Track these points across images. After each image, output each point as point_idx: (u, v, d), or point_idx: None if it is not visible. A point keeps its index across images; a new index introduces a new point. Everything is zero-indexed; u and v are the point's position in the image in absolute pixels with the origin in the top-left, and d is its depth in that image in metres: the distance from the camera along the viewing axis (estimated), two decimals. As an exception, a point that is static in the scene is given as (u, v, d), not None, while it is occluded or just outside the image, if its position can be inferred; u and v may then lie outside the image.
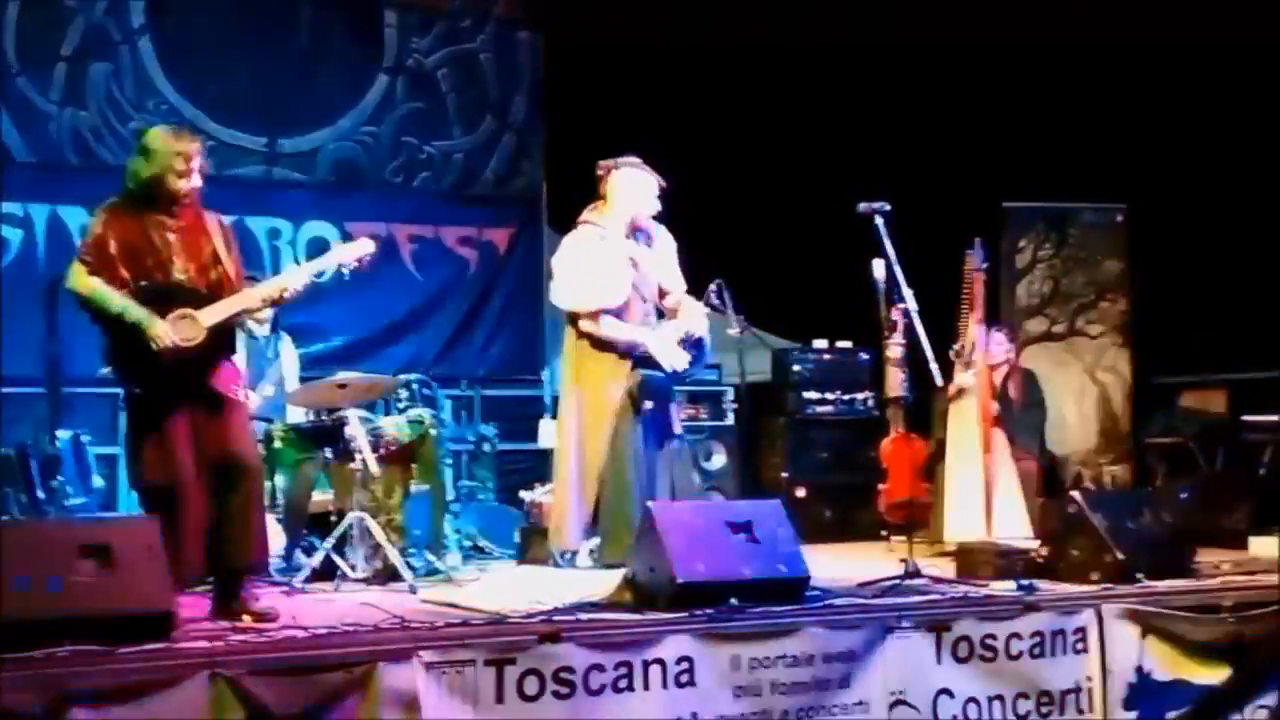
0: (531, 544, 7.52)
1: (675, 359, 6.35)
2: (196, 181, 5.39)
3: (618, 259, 6.37)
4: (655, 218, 6.57)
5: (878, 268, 6.45)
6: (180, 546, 5.12)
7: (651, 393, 6.33)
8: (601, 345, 6.38)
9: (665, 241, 6.61)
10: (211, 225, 5.48)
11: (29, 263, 8.90)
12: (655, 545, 5.35)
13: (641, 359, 6.37)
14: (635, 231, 6.46)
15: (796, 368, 9.57)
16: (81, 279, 5.28)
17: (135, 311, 5.23)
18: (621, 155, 6.58)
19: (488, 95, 10.33)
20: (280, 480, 7.07)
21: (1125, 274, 10.01)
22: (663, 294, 6.56)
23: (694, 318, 6.48)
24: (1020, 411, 8.14)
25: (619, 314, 6.40)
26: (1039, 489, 7.88)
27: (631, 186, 6.43)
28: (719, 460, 9.28)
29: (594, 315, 6.35)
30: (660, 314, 6.55)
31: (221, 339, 5.39)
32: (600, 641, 4.87)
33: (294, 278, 5.64)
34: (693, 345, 6.42)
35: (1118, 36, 9.29)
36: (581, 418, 6.39)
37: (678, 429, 6.55)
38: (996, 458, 7.40)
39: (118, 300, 5.23)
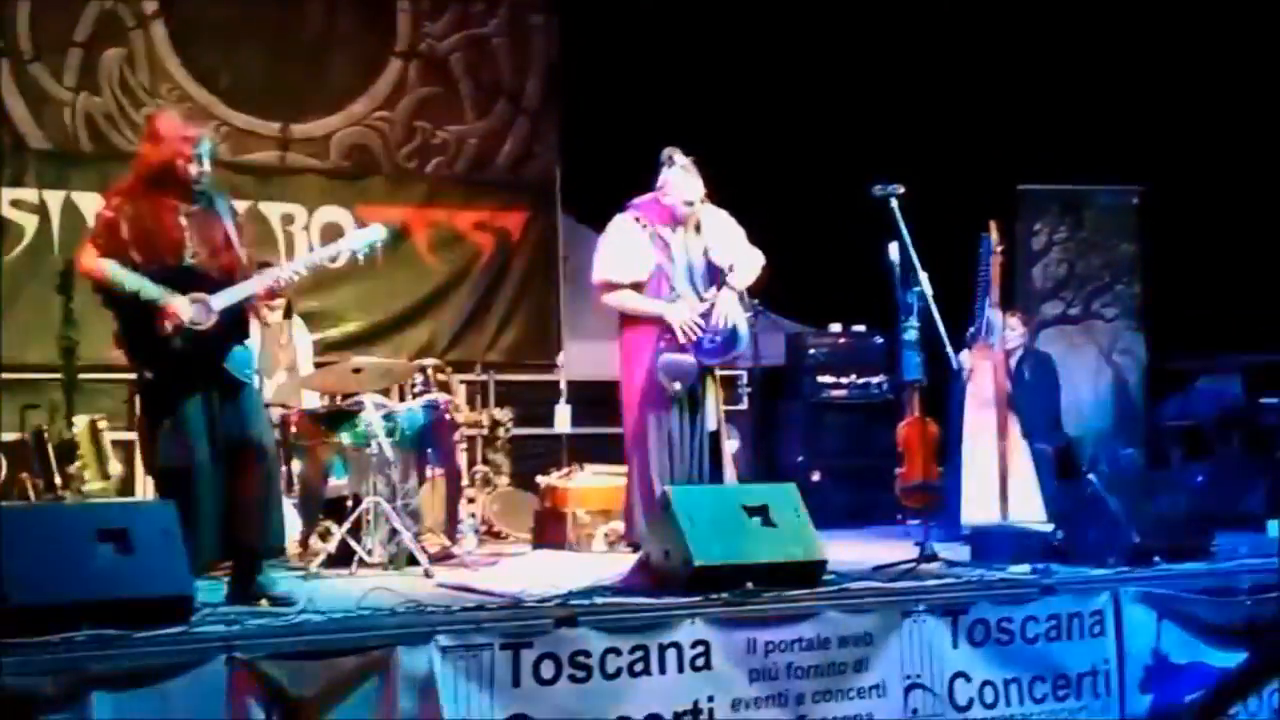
0: (547, 528, 7.54)
1: (687, 326, 6.31)
2: (206, 166, 5.40)
3: (643, 240, 6.41)
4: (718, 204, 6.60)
5: (892, 251, 6.44)
6: (196, 530, 5.13)
7: (676, 374, 6.32)
8: (632, 322, 6.42)
9: (719, 228, 6.57)
10: (223, 209, 5.50)
11: (44, 249, 8.89)
12: (671, 529, 5.35)
13: (670, 342, 6.36)
14: (676, 224, 6.48)
15: (811, 351, 9.58)
16: (94, 260, 5.30)
17: (151, 289, 5.24)
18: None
19: (501, 80, 10.29)
20: (296, 465, 7.08)
21: (1140, 257, 9.98)
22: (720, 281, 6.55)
23: (721, 305, 6.47)
24: (1036, 395, 8.12)
25: (638, 291, 6.45)
26: (1055, 472, 7.86)
27: (670, 183, 6.47)
28: (734, 444, 9.26)
29: (606, 287, 6.41)
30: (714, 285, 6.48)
31: (234, 323, 5.41)
32: (616, 625, 4.88)
33: (307, 262, 5.65)
34: (721, 331, 6.39)
35: (1132, 18, 9.27)
36: (626, 396, 6.42)
37: (711, 424, 6.50)
38: (1011, 441, 7.39)
39: (133, 279, 5.25)
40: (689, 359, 6.35)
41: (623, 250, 6.46)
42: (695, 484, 6.23)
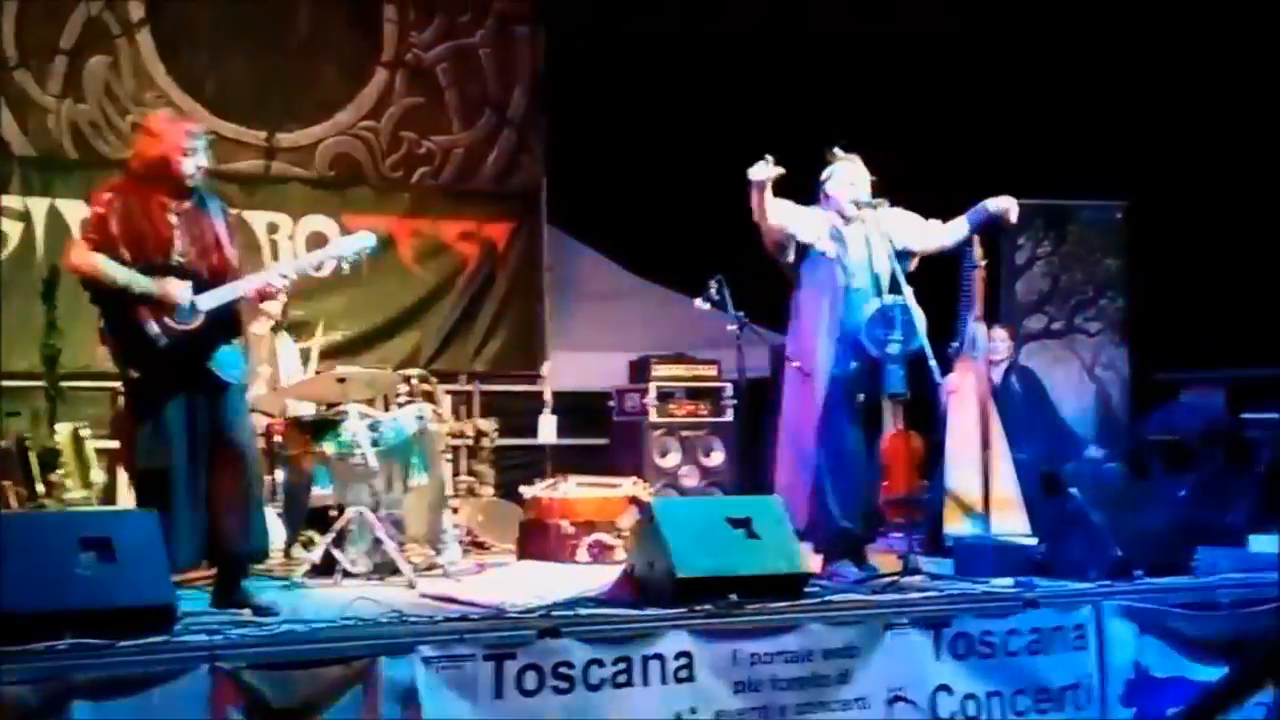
0: (531, 539, 7.53)
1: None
2: (201, 163, 5.40)
3: (821, 227, 6.39)
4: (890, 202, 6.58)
5: (877, 264, 6.44)
6: (174, 532, 5.10)
7: (860, 384, 6.33)
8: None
9: (894, 219, 6.54)
10: (214, 210, 5.50)
11: (28, 256, 8.88)
12: (655, 540, 5.35)
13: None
14: (847, 221, 6.47)
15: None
16: (84, 255, 5.29)
17: (142, 282, 5.24)
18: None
19: (487, 90, 10.31)
20: (280, 475, 7.06)
21: (1124, 271, 10.01)
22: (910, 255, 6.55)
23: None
24: (1022, 409, 8.12)
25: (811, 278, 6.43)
26: (1039, 486, 7.87)
27: (834, 178, 6.48)
28: (718, 456, 9.30)
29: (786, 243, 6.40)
30: (896, 288, 6.40)
31: (221, 323, 5.39)
32: (599, 637, 4.88)
33: (293, 266, 5.65)
34: (885, 323, 6.33)
35: (1116, 33, 9.30)
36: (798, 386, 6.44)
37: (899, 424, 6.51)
38: (994, 454, 7.39)
39: (123, 273, 5.24)
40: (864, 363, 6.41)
41: (797, 208, 6.39)
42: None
